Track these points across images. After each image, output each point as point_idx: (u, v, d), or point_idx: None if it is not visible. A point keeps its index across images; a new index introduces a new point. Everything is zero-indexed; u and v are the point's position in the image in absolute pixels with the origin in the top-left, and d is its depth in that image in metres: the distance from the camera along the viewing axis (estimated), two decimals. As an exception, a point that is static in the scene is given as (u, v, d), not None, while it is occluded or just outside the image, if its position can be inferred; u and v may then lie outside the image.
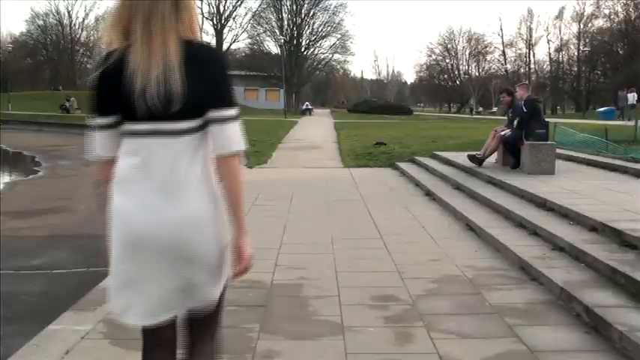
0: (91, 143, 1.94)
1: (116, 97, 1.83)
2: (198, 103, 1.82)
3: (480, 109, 68.16)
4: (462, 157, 10.87)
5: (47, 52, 70.58)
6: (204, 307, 1.96)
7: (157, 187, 1.83)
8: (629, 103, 28.59)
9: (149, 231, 1.82)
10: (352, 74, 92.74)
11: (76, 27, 70.68)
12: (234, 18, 57.33)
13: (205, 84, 1.82)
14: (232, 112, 1.86)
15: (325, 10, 62.61)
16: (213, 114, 1.84)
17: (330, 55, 65.90)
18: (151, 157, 1.84)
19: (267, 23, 62.30)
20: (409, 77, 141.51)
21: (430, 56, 79.98)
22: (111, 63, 1.83)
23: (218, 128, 1.85)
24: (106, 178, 1.91)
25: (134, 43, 1.81)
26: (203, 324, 2.02)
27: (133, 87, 1.79)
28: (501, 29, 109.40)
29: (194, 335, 2.03)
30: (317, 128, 28.03)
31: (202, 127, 1.86)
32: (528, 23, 71.59)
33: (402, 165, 12.64)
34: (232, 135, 1.86)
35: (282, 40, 58.45)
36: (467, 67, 78.99)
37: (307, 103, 60.88)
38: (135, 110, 1.81)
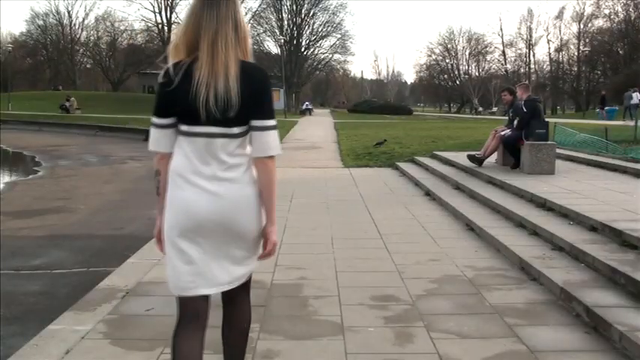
0: (152, 139, 2.27)
1: (178, 103, 2.18)
2: (246, 113, 2.18)
3: (480, 108, 68.15)
4: (462, 157, 10.88)
5: (47, 52, 70.49)
6: (246, 276, 2.37)
7: (211, 179, 2.20)
8: (632, 102, 28.44)
9: (207, 214, 2.20)
10: (352, 74, 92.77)
11: (76, 27, 70.68)
12: (234, 18, 57.09)
13: (254, 98, 2.19)
14: (272, 122, 2.24)
15: (325, 10, 62.50)
16: (257, 123, 2.21)
17: (330, 55, 65.79)
18: (206, 155, 2.20)
19: (267, 23, 62.19)
20: (409, 77, 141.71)
21: (430, 56, 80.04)
22: (177, 73, 2.16)
23: (260, 135, 2.22)
24: (162, 169, 2.28)
25: (200, 58, 2.15)
26: (243, 283, 2.39)
27: (197, 96, 2.13)
28: (501, 29, 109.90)
29: (234, 291, 2.38)
30: (317, 128, 28.03)
31: (247, 132, 2.23)
32: (528, 23, 71.75)
33: (402, 165, 12.65)
34: (271, 141, 2.23)
35: (282, 40, 58.38)
36: (467, 67, 79.03)
37: (307, 102, 60.88)
38: (196, 116, 2.15)
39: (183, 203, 2.21)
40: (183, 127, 2.22)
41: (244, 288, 2.44)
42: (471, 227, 6.63)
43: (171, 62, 2.20)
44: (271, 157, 2.24)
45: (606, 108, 31.62)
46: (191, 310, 2.28)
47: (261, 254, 2.35)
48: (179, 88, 2.15)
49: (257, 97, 2.20)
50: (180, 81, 2.14)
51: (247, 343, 2.55)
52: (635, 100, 28.37)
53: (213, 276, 2.26)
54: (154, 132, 2.27)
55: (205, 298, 2.30)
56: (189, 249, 2.23)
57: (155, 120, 2.25)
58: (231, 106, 2.14)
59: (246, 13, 54.16)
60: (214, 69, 2.13)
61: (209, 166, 2.21)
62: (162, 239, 2.33)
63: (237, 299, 2.45)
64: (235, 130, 2.20)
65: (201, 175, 2.20)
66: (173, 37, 2.26)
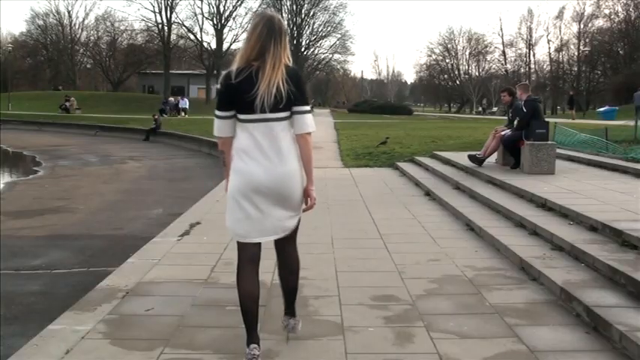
0: (216, 127, 3.09)
1: (240, 99, 2.99)
2: (290, 102, 3.02)
3: (480, 108, 68.05)
4: (462, 157, 10.87)
5: (47, 52, 70.35)
6: (290, 229, 3.22)
7: (266, 154, 3.02)
8: None
9: (263, 181, 3.02)
10: (352, 74, 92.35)
11: (76, 27, 70.46)
12: (234, 18, 56.78)
13: (295, 90, 3.02)
14: (308, 107, 3.11)
15: (325, 10, 62.39)
16: (298, 109, 3.06)
17: (330, 55, 65.70)
18: (262, 135, 3.02)
19: (267, 23, 62.02)
20: (409, 77, 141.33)
21: (430, 56, 79.81)
22: (239, 77, 2.98)
23: (300, 117, 3.07)
24: (226, 149, 3.11)
25: (263, 69, 2.97)
26: (290, 236, 3.27)
27: (257, 94, 2.95)
28: (501, 29, 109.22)
29: (284, 243, 3.28)
30: (317, 128, 27.63)
31: (290, 116, 3.06)
32: (528, 23, 71.55)
33: (402, 165, 12.64)
34: (308, 121, 3.08)
35: (282, 40, 58.20)
36: (467, 67, 78.80)
37: (307, 102, 60.78)
38: (254, 107, 2.97)
39: (246, 172, 3.02)
40: (243, 117, 3.01)
41: (291, 240, 3.30)
42: (471, 227, 6.63)
43: (231, 68, 3.00)
44: (309, 132, 3.07)
45: (605, 108, 31.48)
46: (247, 253, 3.14)
47: (305, 208, 3.21)
48: (241, 87, 2.96)
49: (298, 90, 3.02)
50: (242, 82, 2.96)
51: (299, 281, 3.41)
52: None
53: (264, 228, 3.09)
54: (217, 122, 3.07)
55: (258, 245, 3.16)
56: (248, 207, 3.04)
57: (218, 113, 3.06)
58: (281, 98, 2.96)
59: (247, 13, 54.18)
60: (271, 74, 2.96)
61: (265, 144, 3.00)
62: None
63: (286, 248, 3.31)
64: (282, 114, 3.01)
65: (260, 151, 3.00)
66: (241, 51, 3.06)
